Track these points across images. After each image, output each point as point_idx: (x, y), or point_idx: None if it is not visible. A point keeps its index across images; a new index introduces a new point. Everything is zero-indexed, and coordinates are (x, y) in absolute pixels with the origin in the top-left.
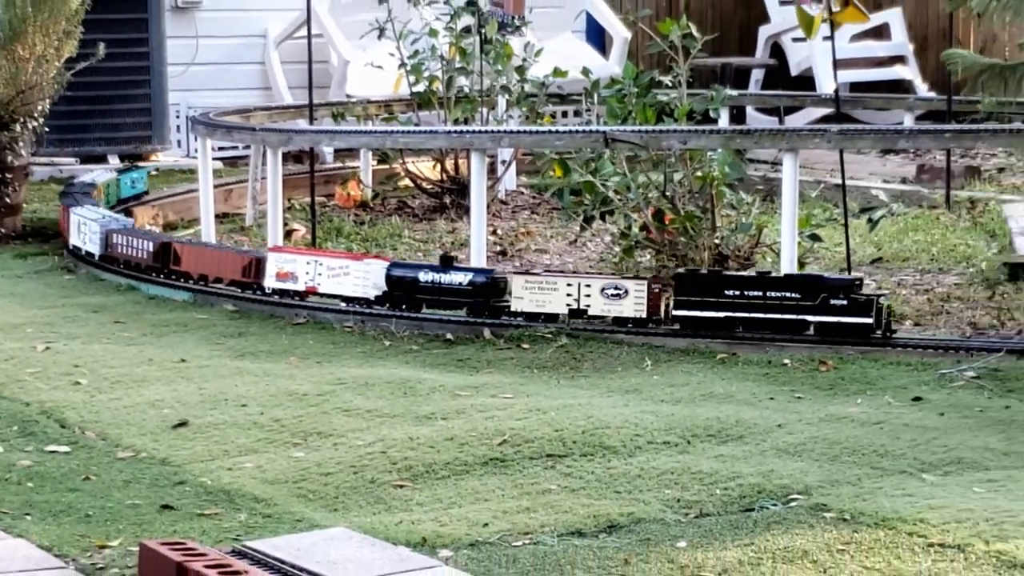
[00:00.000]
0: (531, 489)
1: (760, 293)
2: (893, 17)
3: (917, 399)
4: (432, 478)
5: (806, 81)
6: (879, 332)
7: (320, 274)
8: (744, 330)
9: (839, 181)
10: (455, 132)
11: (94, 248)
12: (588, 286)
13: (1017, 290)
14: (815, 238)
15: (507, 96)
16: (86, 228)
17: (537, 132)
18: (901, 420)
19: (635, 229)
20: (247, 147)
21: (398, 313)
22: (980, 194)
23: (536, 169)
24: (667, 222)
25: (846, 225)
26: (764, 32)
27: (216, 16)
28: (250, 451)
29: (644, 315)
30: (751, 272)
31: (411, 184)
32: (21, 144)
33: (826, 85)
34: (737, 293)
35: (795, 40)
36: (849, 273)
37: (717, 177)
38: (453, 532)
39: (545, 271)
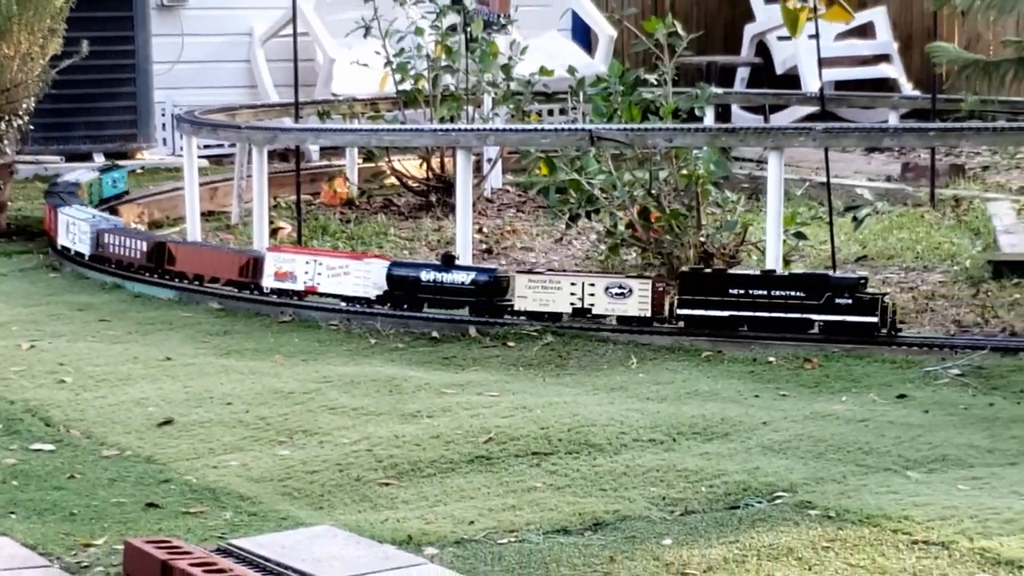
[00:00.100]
0: (517, 487)
1: (765, 292)
2: (878, 16)
3: (902, 396)
4: (417, 476)
5: (791, 79)
6: (884, 331)
7: (320, 274)
8: (749, 329)
9: (824, 179)
10: (441, 130)
11: (84, 248)
12: (592, 285)
13: (1001, 288)
14: (800, 236)
15: (493, 94)
16: (75, 228)
17: (523, 130)
18: (886, 418)
19: (621, 227)
20: (233, 145)
21: (399, 313)
22: (964, 192)
23: (522, 167)
24: (653, 220)
25: (831, 223)
26: (749, 30)
27: (202, 14)
28: (235, 449)
29: (648, 314)
30: (756, 271)
31: (397, 182)
32: (6, 142)
33: (811, 83)
34: (742, 292)
35: (780, 39)
36: (834, 271)
37: (702, 175)
38: (438, 530)
39: (548, 270)
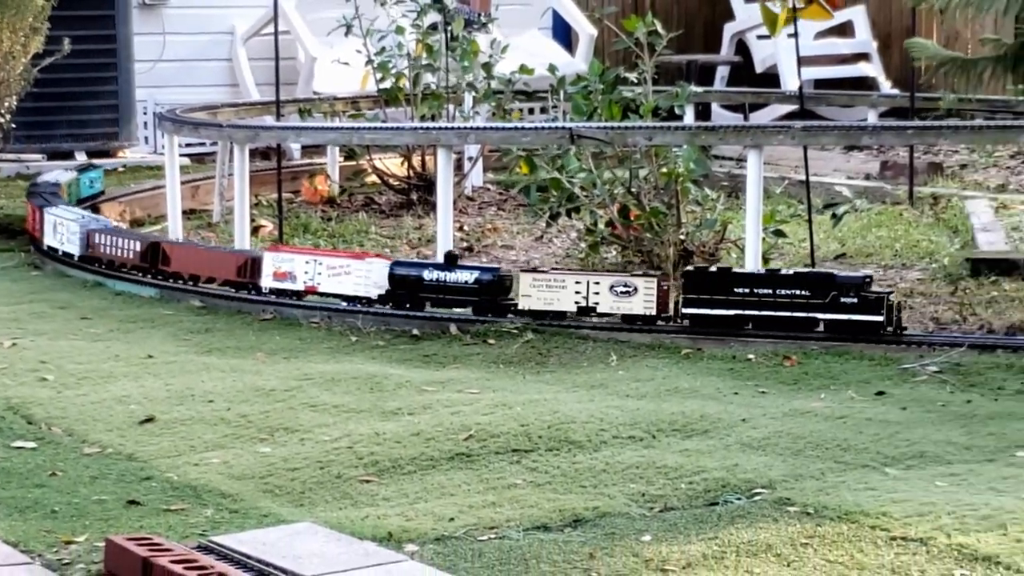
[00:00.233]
0: (497, 484)
1: (770, 291)
2: (857, 15)
3: (880, 394)
4: (398, 473)
5: (771, 78)
6: (890, 329)
7: (320, 273)
8: (754, 328)
9: (803, 177)
10: (422, 129)
11: (73, 248)
12: (597, 283)
13: (979, 285)
14: (779, 234)
15: (473, 93)
16: (63, 228)
17: (503, 129)
18: (864, 415)
19: (601, 225)
20: (214, 144)
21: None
22: (943, 190)
23: (503, 166)
24: (632, 218)
25: (810, 221)
26: (729, 29)
27: (183, 13)
28: (217, 446)
29: (653, 313)
30: (761, 270)
31: (378, 180)
32: None
33: (790, 82)
34: (747, 291)
35: (760, 37)
36: (813, 268)
37: (682, 173)
38: (419, 527)
39: (552, 268)
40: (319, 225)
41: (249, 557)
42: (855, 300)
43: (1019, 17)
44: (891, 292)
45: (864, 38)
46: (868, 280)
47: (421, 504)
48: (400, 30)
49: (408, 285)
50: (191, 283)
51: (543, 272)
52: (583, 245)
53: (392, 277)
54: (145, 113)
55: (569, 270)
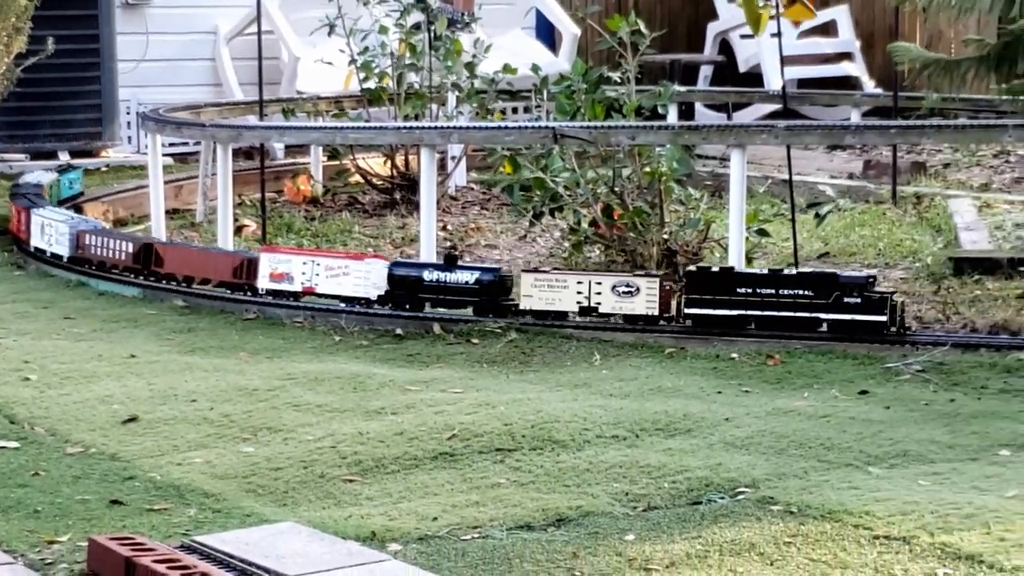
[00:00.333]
0: (480, 483)
1: (773, 291)
2: (840, 14)
3: (863, 392)
4: (382, 472)
5: (754, 77)
6: (893, 329)
7: (317, 274)
8: (757, 328)
9: (786, 177)
10: (405, 128)
11: (62, 250)
12: (599, 284)
13: (962, 284)
14: (763, 233)
15: (457, 92)
16: (52, 230)
17: (487, 128)
18: (847, 413)
19: (584, 224)
20: (197, 143)
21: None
22: (926, 190)
23: (486, 165)
24: (616, 217)
25: (793, 220)
26: (712, 29)
27: (167, 12)
28: (200, 446)
29: (656, 313)
30: (764, 270)
31: (361, 180)
32: None
33: (774, 81)
34: (749, 291)
35: (743, 37)
36: (796, 267)
37: (665, 173)
38: (402, 526)
39: (554, 268)
40: (302, 225)
41: (232, 557)
42: (858, 300)
43: (1002, 17)
44: (894, 292)
45: (847, 37)
46: (871, 280)
47: (404, 503)
48: (383, 30)
49: (408, 286)
50: (184, 284)
51: (544, 272)
52: (566, 244)
53: (392, 278)
54: (128, 113)
55: (570, 270)
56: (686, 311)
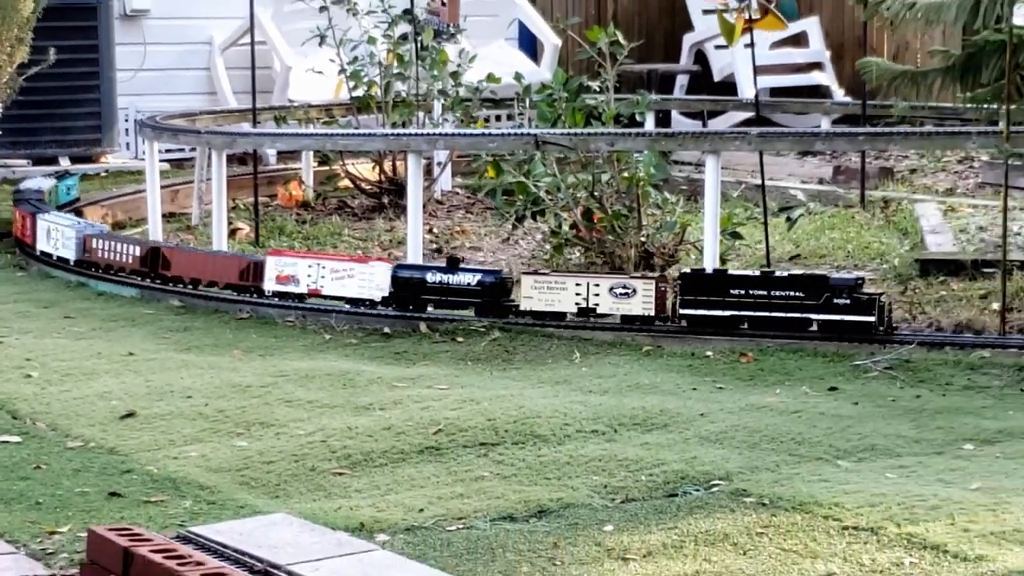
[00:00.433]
0: (465, 476)
1: (765, 292)
2: (811, 25)
3: (833, 389)
4: (370, 466)
5: (728, 86)
6: (881, 329)
7: (323, 276)
8: (749, 328)
9: (759, 182)
10: (393, 135)
11: (68, 253)
12: (597, 285)
13: (928, 285)
14: (736, 236)
15: (443, 100)
16: (58, 234)
17: (471, 135)
18: (817, 409)
19: (565, 228)
20: (193, 149)
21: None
22: (893, 194)
23: (471, 170)
24: (595, 221)
25: (766, 224)
26: (688, 40)
27: (163, 24)
28: (195, 440)
29: (652, 313)
30: (756, 272)
31: (351, 185)
32: None
33: (747, 90)
34: (742, 292)
35: (718, 47)
36: (769, 268)
37: (643, 178)
38: (390, 517)
39: (553, 271)
40: (294, 228)
41: (226, 547)
42: (848, 301)
43: (966, 29)
44: (882, 293)
45: (818, 48)
46: (860, 282)
47: (392, 496)
48: (372, 40)
49: (411, 287)
50: (191, 286)
51: (544, 274)
52: (548, 247)
53: (395, 280)
54: (127, 120)
55: (569, 272)
56: (681, 312)
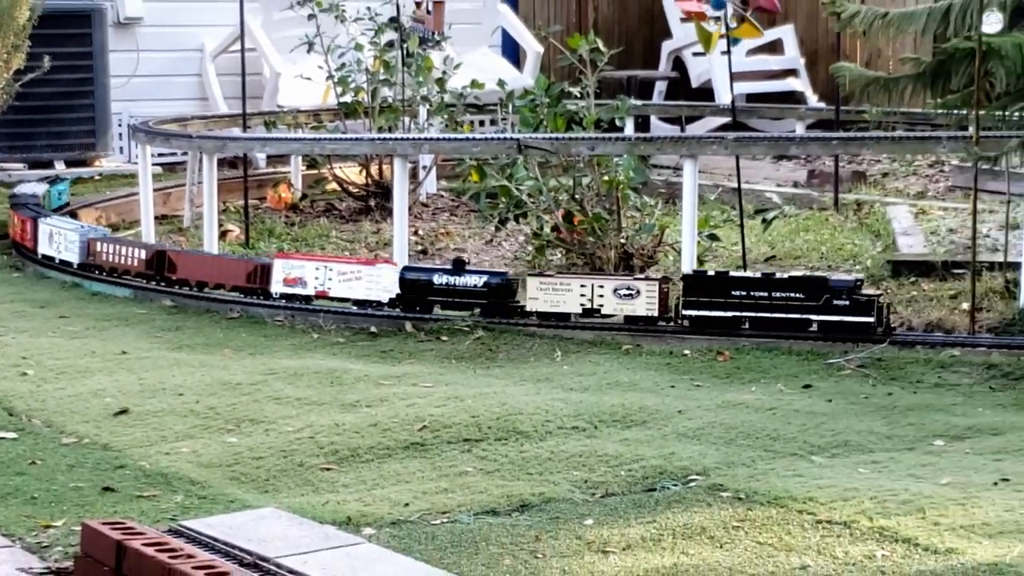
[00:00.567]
0: (449, 471)
1: (766, 293)
2: (786, 33)
3: (807, 387)
4: (357, 461)
5: (705, 92)
6: (880, 330)
7: (330, 279)
8: (750, 328)
9: (736, 185)
10: (379, 139)
11: (71, 257)
12: (601, 287)
13: (899, 286)
14: (713, 238)
15: (428, 106)
16: (60, 238)
17: (456, 139)
18: (792, 406)
19: (547, 230)
20: (185, 153)
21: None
22: (866, 197)
23: (455, 174)
24: (576, 223)
25: (742, 226)
26: (667, 47)
27: (156, 31)
28: (186, 437)
29: (655, 314)
30: (757, 273)
31: (338, 188)
32: None
33: (724, 96)
34: (744, 293)
35: (695, 54)
36: (745, 269)
37: (622, 181)
38: (376, 511)
39: (558, 272)
40: (283, 230)
41: (217, 540)
42: (847, 302)
43: (936, 37)
44: (880, 294)
45: (792, 55)
46: (859, 283)
47: (378, 490)
48: (359, 47)
49: (418, 289)
50: (197, 289)
51: (549, 276)
52: (530, 248)
53: (403, 282)
54: (120, 125)
55: (574, 274)
56: (684, 312)
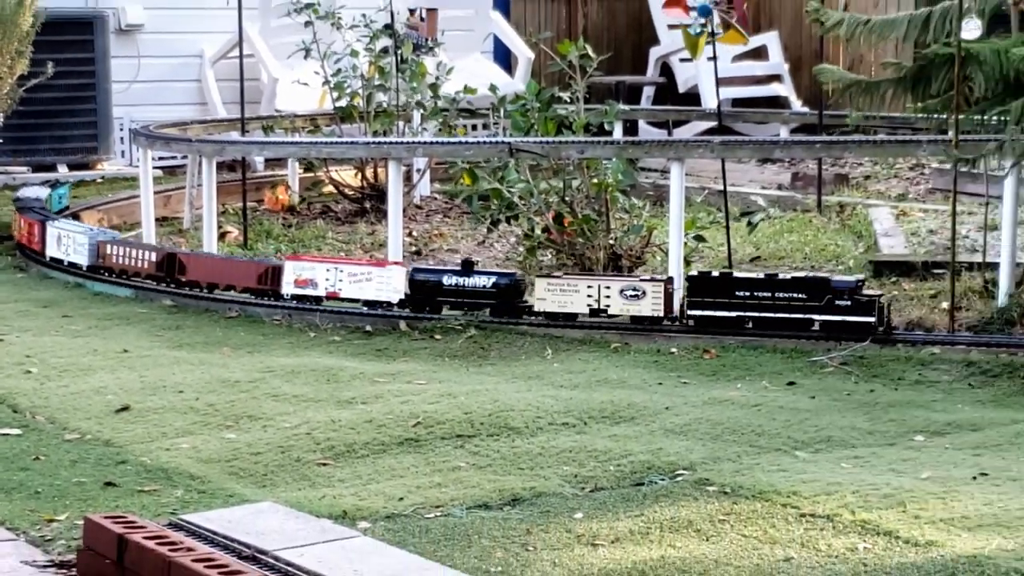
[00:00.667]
0: (442, 466)
1: (769, 294)
2: (770, 39)
3: (791, 384)
4: (352, 457)
5: (692, 97)
6: (881, 329)
7: (341, 280)
8: (754, 328)
9: (721, 187)
10: (374, 143)
11: (80, 259)
12: (608, 288)
13: (881, 285)
14: (700, 239)
15: (421, 111)
16: (69, 240)
17: (449, 143)
18: (776, 403)
19: (537, 231)
20: (185, 157)
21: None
22: (848, 199)
23: (448, 177)
24: (566, 225)
25: (727, 227)
26: (654, 53)
27: (157, 38)
28: (186, 433)
29: (661, 314)
30: (760, 274)
31: (334, 190)
32: None
33: (710, 101)
34: (747, 294)
35: (682, 60)
36: (731, 270)
37: (611, 184)
38: (371, 505)
39: (566, 273)
40: (280, 231)
41: (216, 533)
42: (849, 303)
43: (917, 43)
44: (881, 295)
45: (777, 61)
46: (861, 284)
47: (373, 485)
48: (355, 53)
49: (428, 290)
50: (207, 291)
51: (557, 277)
52: (521, 249)
53: (412, 282)
54: (121, 129)
55: (581, 275)
56: (689, 312)
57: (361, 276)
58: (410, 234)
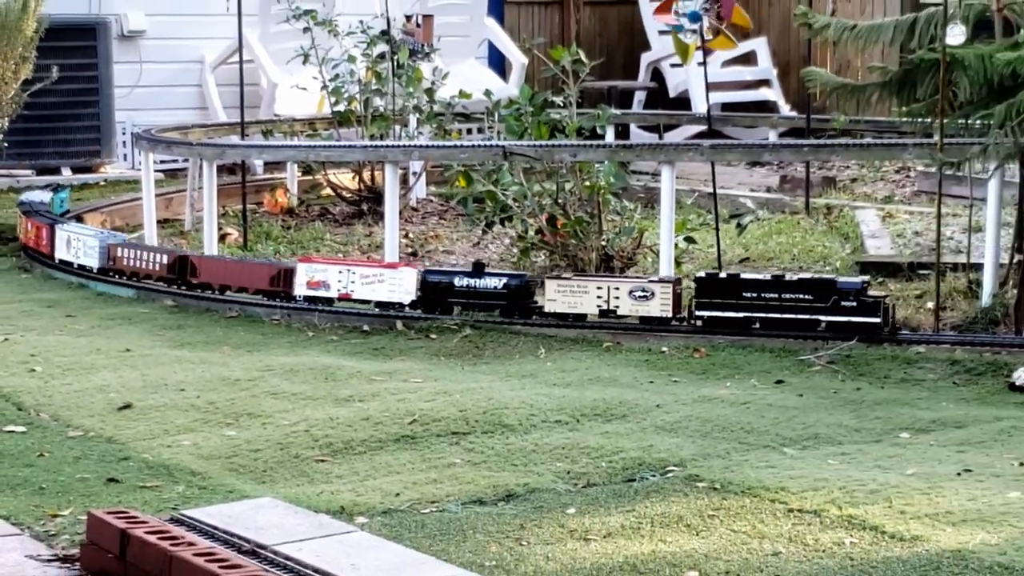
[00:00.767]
0: (438, 463)
1: (776, 295)
2: (759, 45)
3: (779, 382)
4: (350, 453)
5: (683, 102)
6: (886, 330)
7: (353, 282)
8: (761, 328)
9: (711, 190)
10: (371, 146)
11: (91, 261)
12: (617, 289)
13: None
14: (690, 240)
15: (418, 115)
16: (79, 243)
17: (444, 146)
18: (765, 401)
19: (531, 233)
20: (186, 160)
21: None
22: (835, 201)
23: (443, 179)
24: (559, 226)
25: (717, 229)
26: (646, 58)
27: (158, 43)
28: (187, 430)
29: (670, 315)
30: (767, 275)
31: (332, 193)
32: None
33: (700, 105)
34: (755, 295)
35: (673, 66)
36: (720, 270)
37: (603, 186)
38: (368, 501)
39: (575, 275)
40: (279, 233)
41: (216, 528)
42: (855, 303)
43: (903, 47)
44: (887, 296)
45: (766, 66)
46: (867, 285)
47: (370, 481)
48: (352, 59)
49: (440, 291)
50: (219, 293)
51: (567, 278)
52: (515, 250)
53: (424, 284)
54: (124, 133)
55: (591, 277)
56: (697, 313)
57: (373, 278)
58: (406, 236)
